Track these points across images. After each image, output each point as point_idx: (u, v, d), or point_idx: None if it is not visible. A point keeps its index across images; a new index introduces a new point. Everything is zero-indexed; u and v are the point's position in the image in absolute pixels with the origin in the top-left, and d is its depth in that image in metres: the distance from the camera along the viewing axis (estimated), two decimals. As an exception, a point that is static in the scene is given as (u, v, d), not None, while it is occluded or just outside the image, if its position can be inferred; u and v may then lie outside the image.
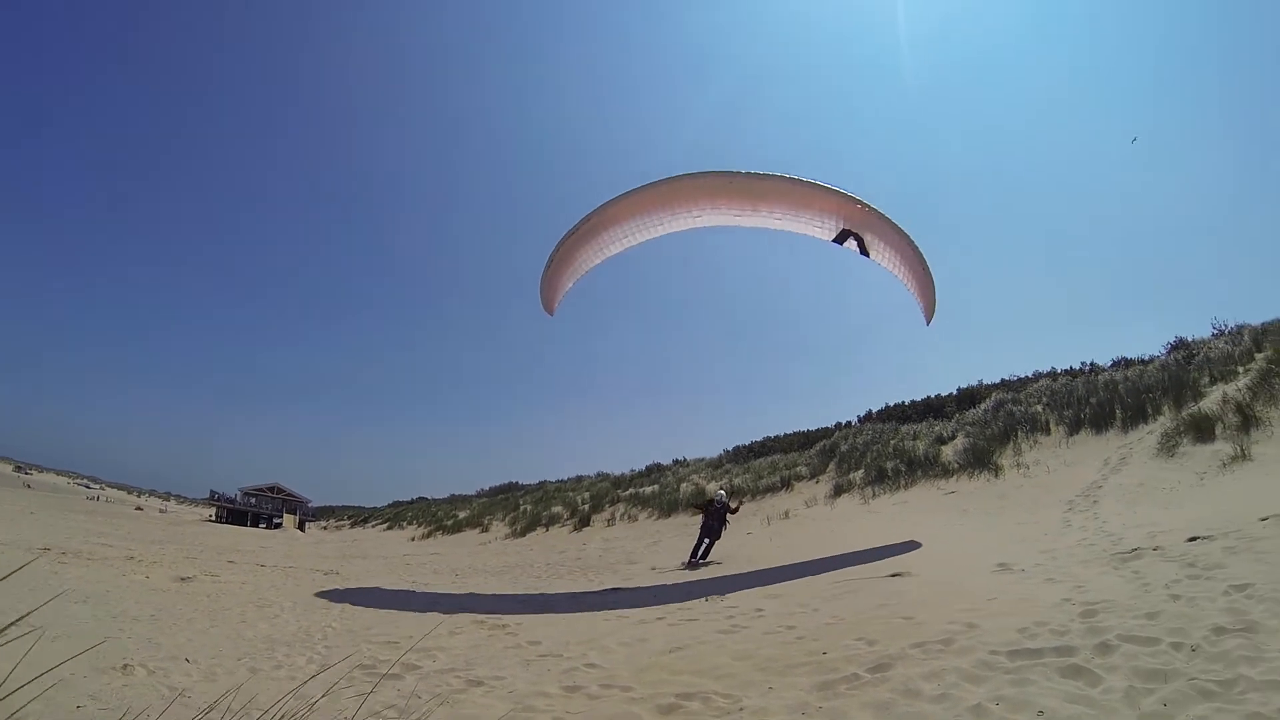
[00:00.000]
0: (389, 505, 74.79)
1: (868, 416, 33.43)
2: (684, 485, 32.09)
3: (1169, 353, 25.82)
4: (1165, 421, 18.51)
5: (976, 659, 5.94)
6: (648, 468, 40.63)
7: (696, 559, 18.02)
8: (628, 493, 34.43)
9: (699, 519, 19.49)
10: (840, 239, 15.07)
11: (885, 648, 6.72)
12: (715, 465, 35.38)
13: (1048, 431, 21.47)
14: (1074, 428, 20.84)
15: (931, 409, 30.86)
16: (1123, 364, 27.38)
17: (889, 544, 14.79)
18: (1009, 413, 23.48)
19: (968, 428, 24.15)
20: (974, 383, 31.35)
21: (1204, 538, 9.22)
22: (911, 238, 14.92)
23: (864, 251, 15.24)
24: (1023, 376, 30.35)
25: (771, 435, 36.28)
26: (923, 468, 22.36)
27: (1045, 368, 30.42)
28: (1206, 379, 20.16)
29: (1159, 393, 20.36)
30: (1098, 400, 21.51)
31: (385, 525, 56.64)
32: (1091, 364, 29.08)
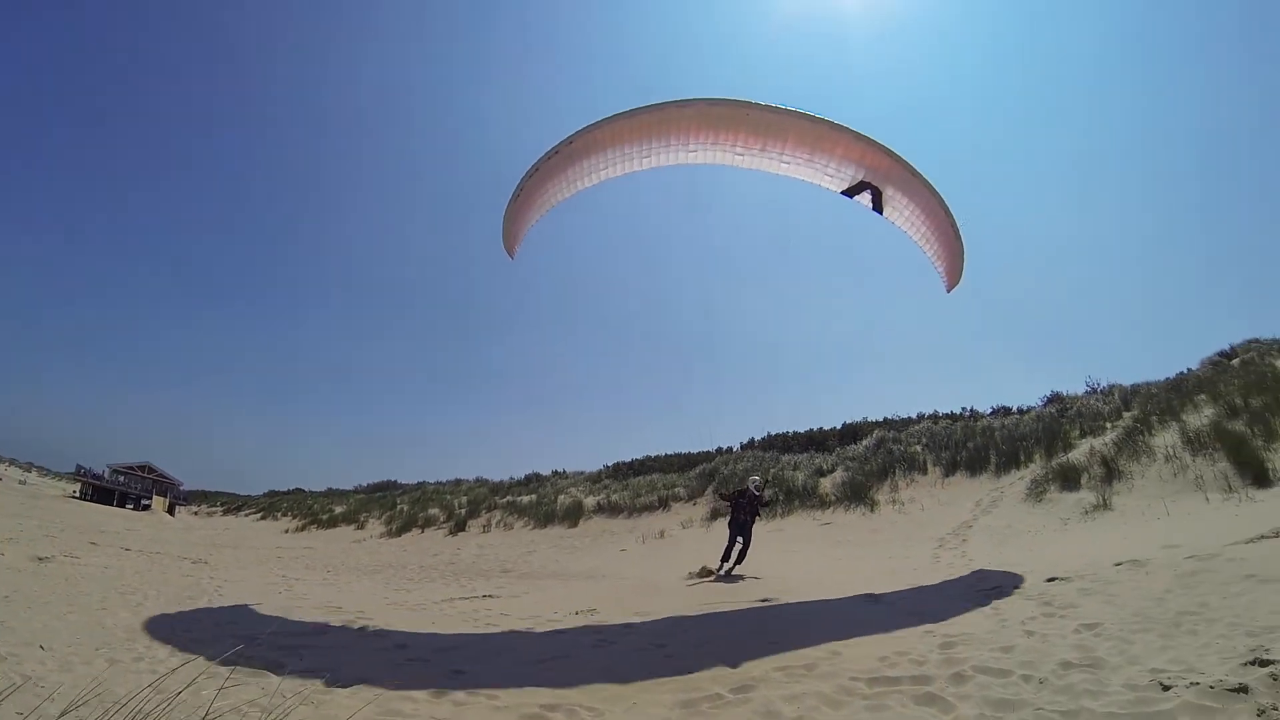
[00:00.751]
0: (265, 494, 72.33)
1: (750, 444, 33.79)
2: (561, 497, 31.95)
3: (1045, 405, 27.04)
4: (1036, 469, 19.42)
5: (837, 684, 6.04)
6: (526, 477, 40.40)
7: (728, 567, 15.26)
8: (505, 500, 34.17)
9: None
10: (854, 191, 13.61)
11: (750, 670, 6.76)
12: (594, 480, 35.28)
13: (925, 471, 22.14)
14: (950, 469, 21.56)
15: (814, 441, 31.35)
16: (1001, 412, 28.47)
17: (761, 570, 14.97)
18: (889, 451, 24.12)
19: (848, 462, 24.69)
20: (858, 419, 31.96)
21: (1062, 579, 9.61)
22: (941, 196, 13.32)
23: (878, 208, 13.80)
24: (905, 417, 31.06)
25: (652, 454, 36.29)
26: (801, 498, 22.75)
27: (928, 410, 31.28)
28: (1077, 432, 21.38)
29: (1032, 442, 21.39)
30: (975, 445, 22.32)
31: (259, 515, 54.93)
32: (972, 410, 30.03)
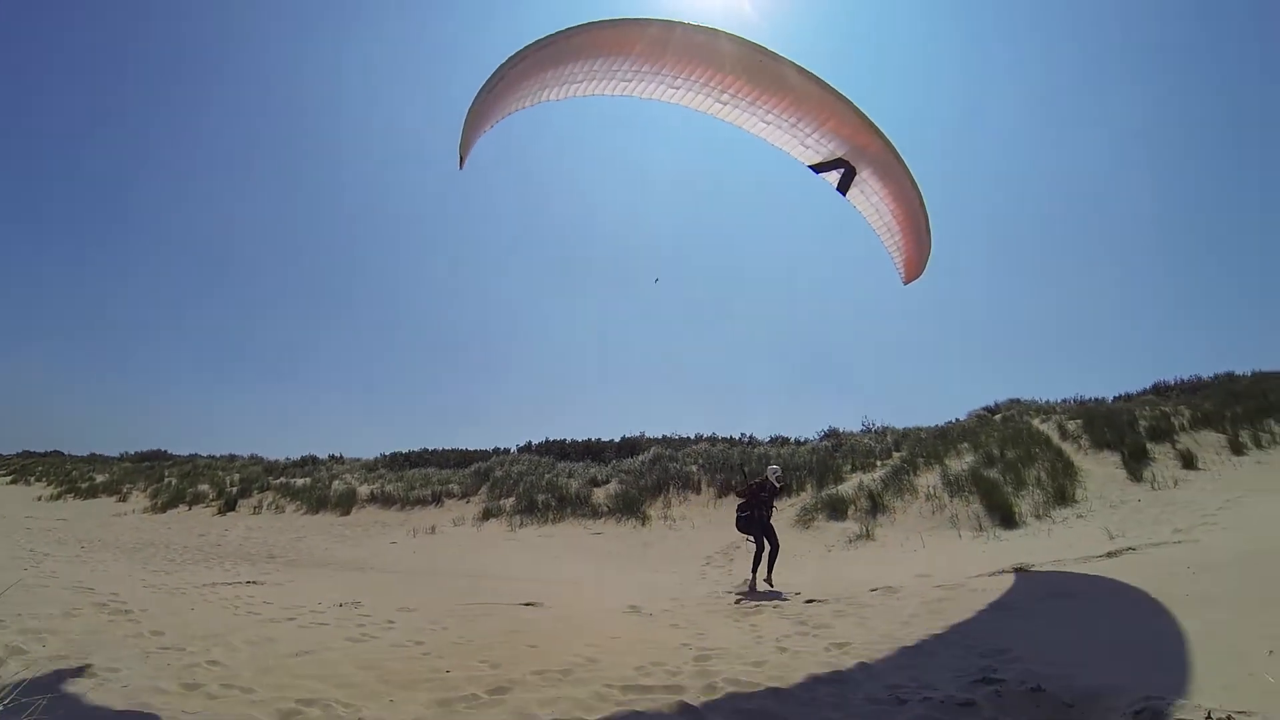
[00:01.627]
0: (18, 454, 65.89)
1: (527, 447, 33.49)
2: (336, 483, 30.71)
3: (822, 439, 28.15)
4: (807, 498, 20.15)
5: (592, 690, 6.03)
6: (302, 458, 38.59)
7: (764, 580, 12.55)
8: (279, 481, 32.50)
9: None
10: (826, 167, 11.69)
11: (507, 672, 6.63)
12: (370, 468, 34.02)
13: (699, 491, 22.51)
14: (723, 491, 21.96)
15: (591, 451, 31.32)
16: (779, 441, 29.40)
17: (529, 574, 14.76)
18: (664, 468, 24.31)
19: (623, 475, 24.75)
20: (637, 433, 32.15)
21: (819, 601, 10.05)
22: (918, 185, 11.80)
23: (843, 188, 11.88)
24: (684, 436, 31.36)
25: (430, 448, 35.48)
26: (573, 505, 22.61)
27: (707, 432, 31.67)
28: (849, 467, 22.40)
29: (805, 472, 22.19)
30: (750, 470, 22.81)
31: (9, 478, 50.01)
32: (750, 436, 30.83)
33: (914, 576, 11.65)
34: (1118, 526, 14.77)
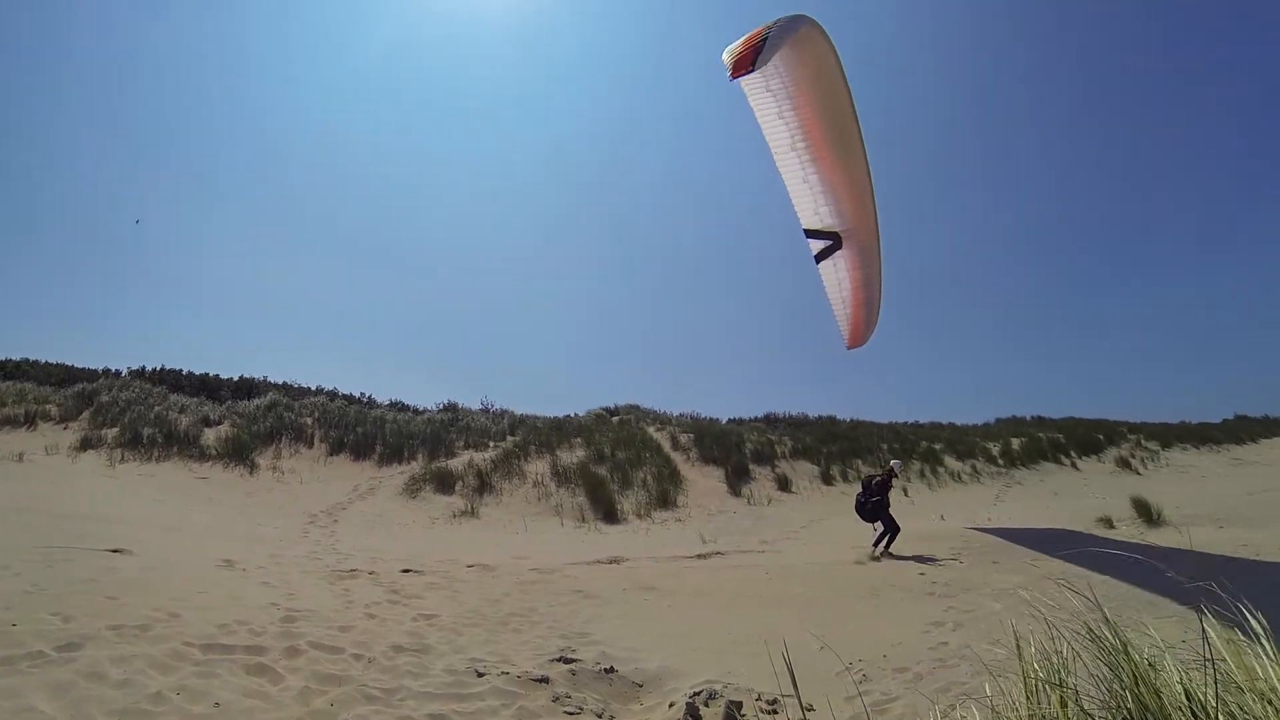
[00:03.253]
0: None
1: (140, 372, 30.58)
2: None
3: (440, 411, 28.49)
4: (417, 467, 20.37)
5: (170, 648, 5.78)
6: None
7: (882, 549, 13.86)
8: None
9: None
10: (818, 235, 12.55)
11: (80, 626, 6.14)
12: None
13: (311, 445, 21.86)
14: (336, 449, 21.57)
15: (207, 387, 29.31)
16: (398, 406, 29.47)
17: (123, 516, 13.75)
18: (280, 416, 23.33)
19: (236, 418, 23.49)
20: (257, 376, 30.62)
21: (416, 571, 10.35)
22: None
23: (822, 258, 12.80)
24: (304, 386, 30.52)
25: (30, 358, 31.41)
26: (181, 444, 21.13)
27: (328, 386, 31.01)
28: (463, 443, 22.88)
29: (419, 441, 22.39)
30: (365, 431, 22.60)
31: None
32: (370, 397, 30.56)
33: (512, 557, 12.31)
34: (712, 533, 16.40)
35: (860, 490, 14.77)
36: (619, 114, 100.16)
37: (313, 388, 30.56)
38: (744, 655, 6.67)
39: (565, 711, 5.45)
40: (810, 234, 12.62)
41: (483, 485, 19.23)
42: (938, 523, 18.39)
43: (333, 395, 29.41)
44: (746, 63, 9.76)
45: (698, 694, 5.65)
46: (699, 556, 13.47)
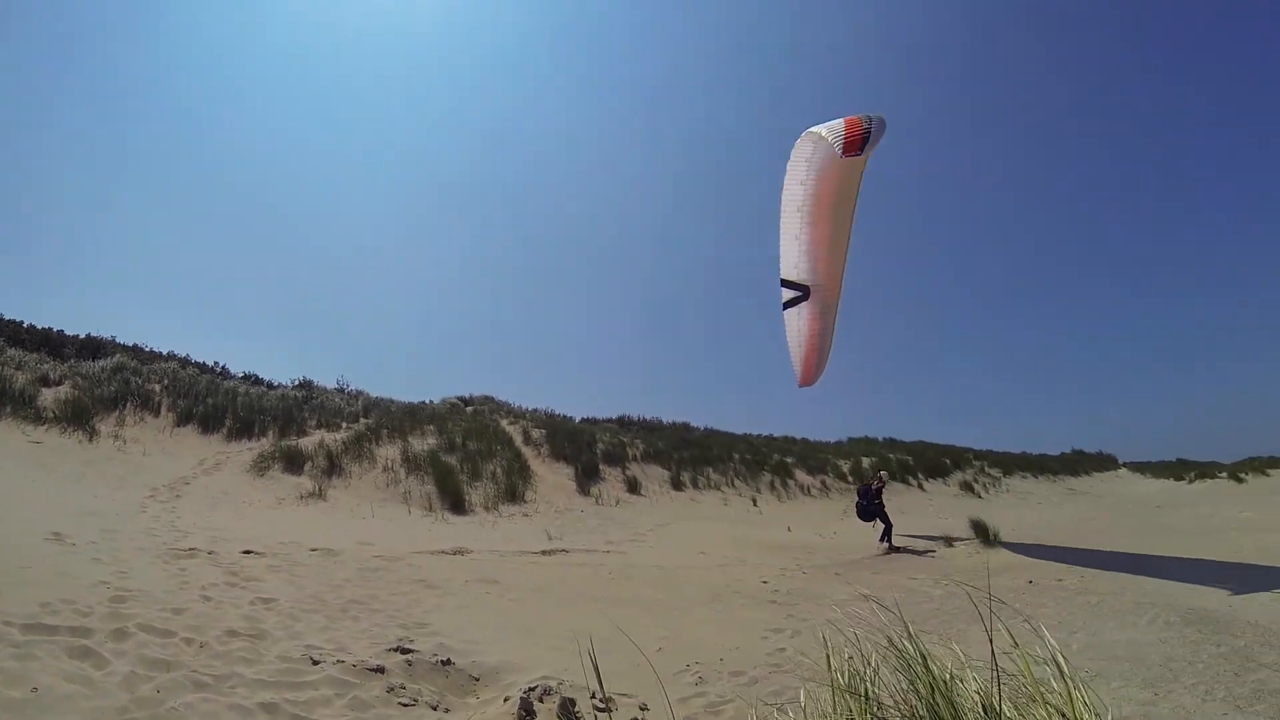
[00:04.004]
0: None
1: (-17, 323, 28.68)
2: None
3: (294, 387, 27.93)
4: (267, 444, 19.86)
5: None
6: None
7: (889, 543, 17.08)
8: None
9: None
10: (791, 286, 13.81)
11: None
12: None
13: (158, 414, 20.90)
14: (184, 420, 20.72)
15: (50, 343, 27.53)
16: (252, 379, 28.64)
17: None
18: (126, 381, 22.19)
19: (79, 379, 22.25)
20: (105, 336, 29.09)
21: (257, 553, 10.16)
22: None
23: (787, 306, 14.00)
24: (156, 351, 29.13)
25: None
26: (15, 404, 19.80)
27: (181, 352, 29.69)
28: (315, 422, 22.46)
29: (270, 418, 21.86)
30: (215, 403, 21.85)
31: None
32: (224, 368, 29.52)
33: (357, 543, 12.23)
34: (558, 530, 16.59)
35: (859, 497, 18.00)
36: (477, 107, 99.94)
37: (164, 353, 29.20)
38: (581, 653, 6.80)
39: (400, 703, 5.46)
40: (785, 284, 13.84)
41: (332, 467, 18.92)
42: (784, 534, 19.09)
43: (185, 362, 28.20)
44: (855, 147, 11.04)
45: (533, 689, 5.67)
46: (544, 553, 13.67)
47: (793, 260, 13.78)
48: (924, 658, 3.16)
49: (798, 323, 14.34)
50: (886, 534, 17.28)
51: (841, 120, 11.44)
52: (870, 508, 17.64)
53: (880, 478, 18.86)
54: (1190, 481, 35.06)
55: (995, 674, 2.93)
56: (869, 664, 3.44)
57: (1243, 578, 10.74)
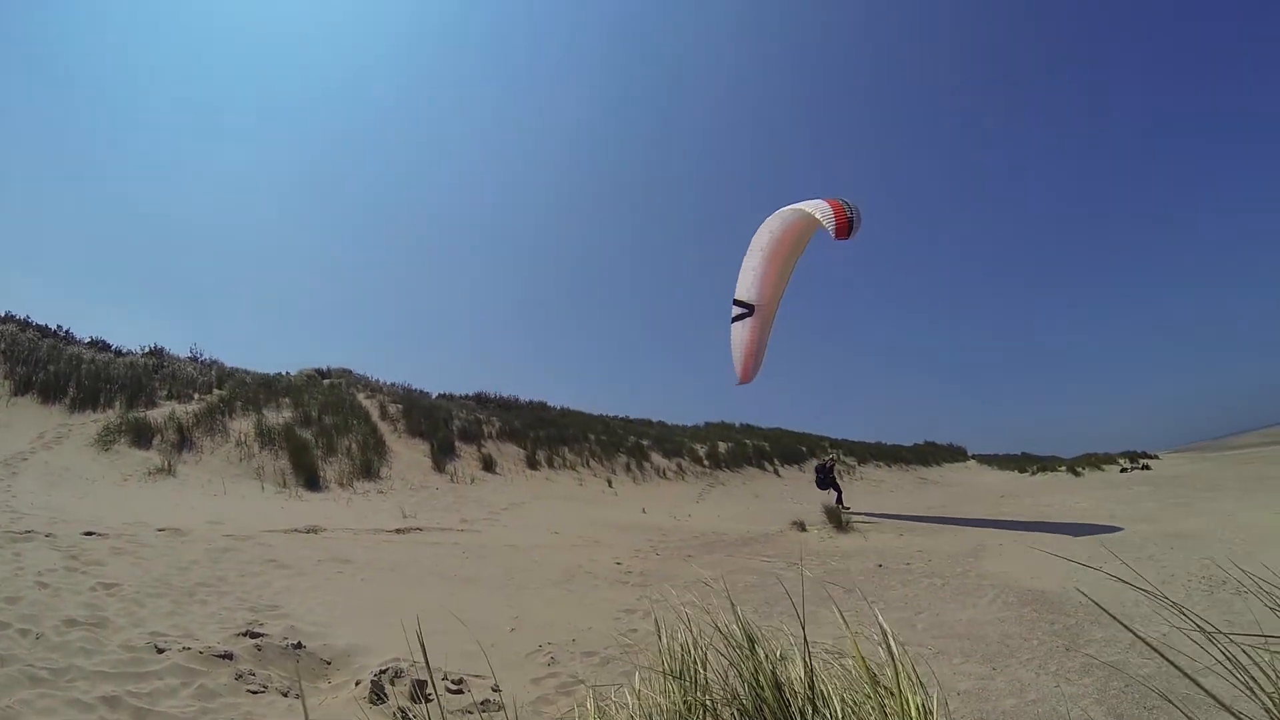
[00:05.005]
0: None
1: None
2: None
3: (144, 355, 26.61)
4: (113, 416, 18.90)
5: None
6: None
7: (846, 508, 20.49)
8: None
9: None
10: (740, 304, 17.78)
11: None
12: None
13: (-11, 380, 19.69)
14: (23, 388, 19.38)
15: None
16: (99, 345, 26.82)
17: None
18: (-44, 346, 20.74)
19: (-97, 344, 20.83)
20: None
21: (99, 535, 9.72)
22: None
23: (735, 320, 17.99)
24: (-5, 313, 26.82)
25: None
26: None
27: (20, 312, 27.13)
28: (166, 392, 21.59)
29: (118, 387, 20.80)
30: (57, 370, 20.44)
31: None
32: (68, 331, 27.44)
33: (206, 522, 11.94)
34: (413, 508, 16.58)
35: (816, 472, 22.98)
36: (381, 86, 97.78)
37: (3, 315, 26.65)
38: (434, 633, 6.83)
39: (248, 690, 5.35)
40: (736, 303, 17.81)
41: (183, 441, 18.21)
42: (639, 515, 19.48)
43: (25, 325, 25.97)
44: (845, 232, 14.36)
45: (384, 671, 5.71)
46: (398, 531, 13.66)
47: (746, 284, 17.60)
48: (751, 641, 3.44)
49: (742, 333, 18.10)
50: (839, 499, 21.27)
51: (826, 203, 14.70)
52: (825, 479, 22.29)
53: (833, 458, 27.49)
54: (1033, 474, 36.95)
55: (807, 651, 3.24)
56: (696, 646, 3.70)
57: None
